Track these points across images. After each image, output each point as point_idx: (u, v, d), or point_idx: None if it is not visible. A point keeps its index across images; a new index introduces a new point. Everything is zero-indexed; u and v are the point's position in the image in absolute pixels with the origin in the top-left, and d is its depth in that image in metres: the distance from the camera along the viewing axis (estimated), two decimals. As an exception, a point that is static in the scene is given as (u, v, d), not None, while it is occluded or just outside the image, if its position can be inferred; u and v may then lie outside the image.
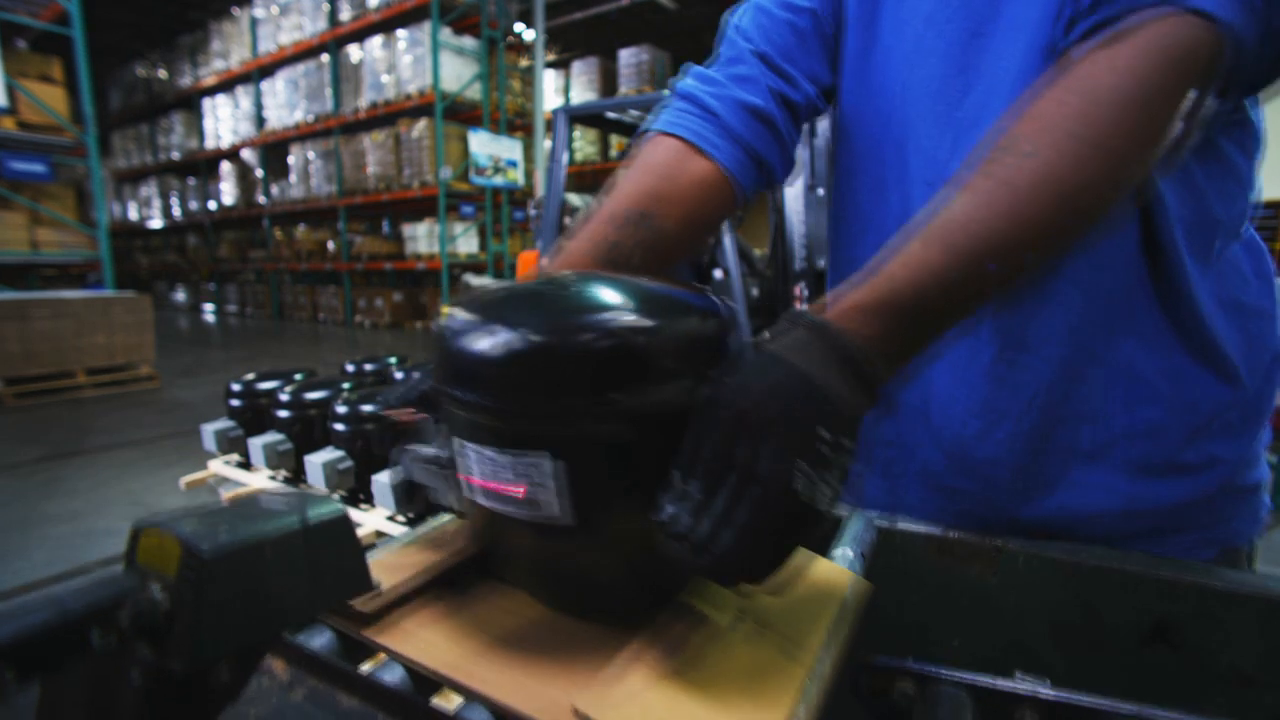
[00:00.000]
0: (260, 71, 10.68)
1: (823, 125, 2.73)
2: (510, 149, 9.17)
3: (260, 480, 1.92)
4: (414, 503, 1.49)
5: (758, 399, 0.36)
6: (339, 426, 1.73)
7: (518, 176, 9.28)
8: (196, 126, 12.32)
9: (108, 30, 11.78)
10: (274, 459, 1.85)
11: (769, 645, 0.39)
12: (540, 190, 7.06)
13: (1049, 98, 0.45)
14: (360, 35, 9.15)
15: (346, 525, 0.36)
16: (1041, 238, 0.43)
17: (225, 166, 12.13)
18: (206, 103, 11.93)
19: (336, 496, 1.75)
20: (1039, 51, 0.55)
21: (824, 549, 0.53)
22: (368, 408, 1.73)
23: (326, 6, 9.36)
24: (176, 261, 14.70)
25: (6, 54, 5.76)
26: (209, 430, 2.00)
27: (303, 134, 10.27)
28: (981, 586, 0.59)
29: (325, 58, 9.58)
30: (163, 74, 12.85)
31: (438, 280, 9.67)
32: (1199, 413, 0.60)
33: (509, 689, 0.36)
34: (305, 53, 9.82)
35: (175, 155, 12.86)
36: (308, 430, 1.87)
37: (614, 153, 10.26)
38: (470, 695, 0.37)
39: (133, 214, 14.62)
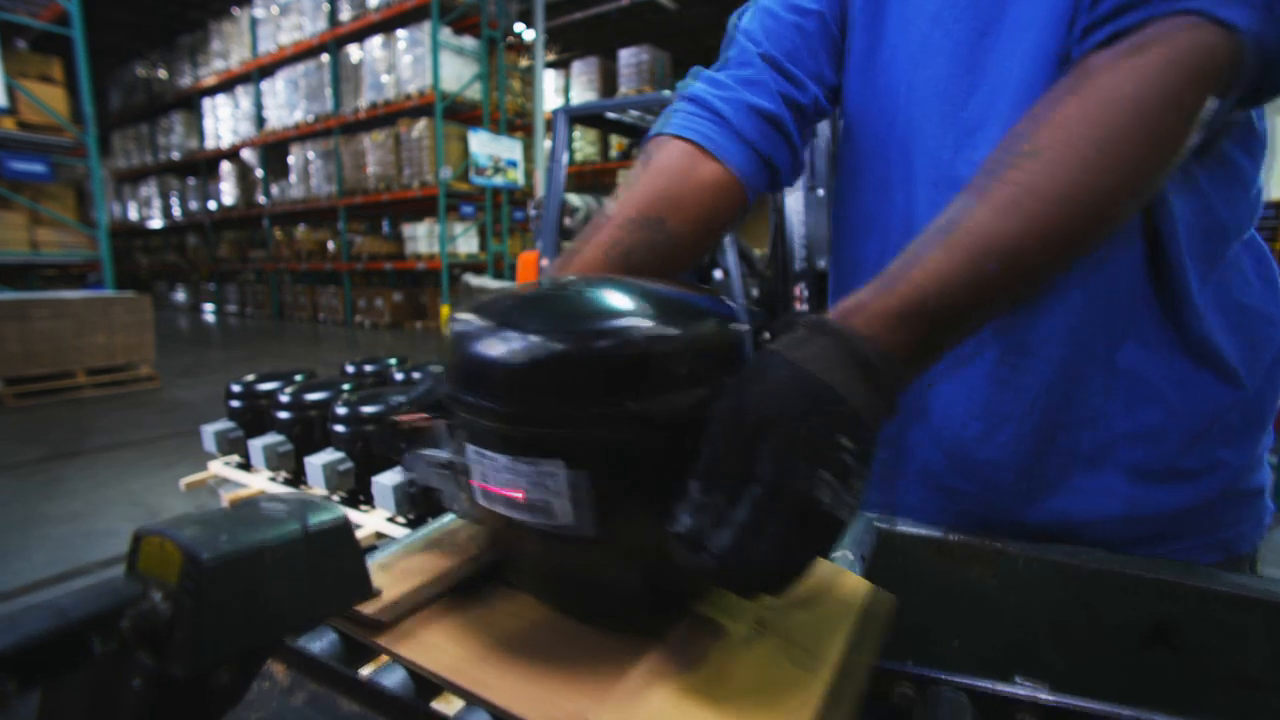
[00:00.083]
0: (260, 71, 10.69)
1: (822, 126, 2.73)
2: (510, 149, 9.17)
3: (260, 481, 1.92)
4: (426, 506, 1.49)
5: (781, 408, 0.35)
6: (339, 428, 1.73)
7: (518, 176, 9.28)
8: (196, 126, 12.33)
9: (108, 30, 11.79)
10: (274, 460, 1.86)
11: (790, 659, 0.39)
12: (540, 190, 7.06)
13: (1071, 105, 0.44)
14: (360, 35, 9.15)
15: (347, 531, 0.36)
16: (1063, 247, 0.43)
17: (225, 166, 12.14)
18: (206, 103, 11.93)
19: (336, 498, 1.75)
20: (1046, 54, 0.55)
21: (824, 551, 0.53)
22: (368, 409, 1.73)
23: (326, 6, 9.36)
24: (176, 261, 14.71)
25: (6, 54, 5.77)
26: (209, 431, 2.00)
27: (303, 134, 10.27)
28: (981, 588, 0.59)
29: (325, 58, 9.58)
30: (163, 74, 12.86)
31: (438, 280, 9.66)
32: (1201, 416, 0.60)
33: (517, 697, 0.36)
34: (305, 53, 9.83)
35: (175, 155, 12.87)
36: (308, 431, 1.87)
37: (614, 153, 10.25)
38: (479, 703, 0.36)
39: (133, 214, 14.63)
